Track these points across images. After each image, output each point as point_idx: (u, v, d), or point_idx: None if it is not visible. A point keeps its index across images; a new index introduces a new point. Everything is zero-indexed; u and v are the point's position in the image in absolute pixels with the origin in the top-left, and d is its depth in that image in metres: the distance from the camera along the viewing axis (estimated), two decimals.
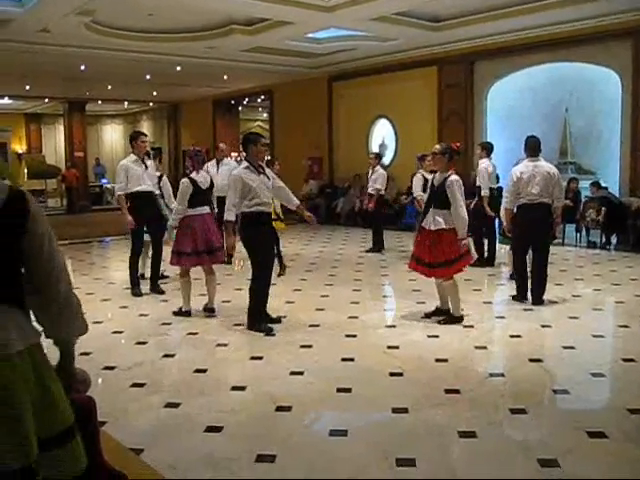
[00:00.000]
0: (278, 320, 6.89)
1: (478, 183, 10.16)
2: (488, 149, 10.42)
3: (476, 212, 9.86)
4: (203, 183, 7.37)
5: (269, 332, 6.50)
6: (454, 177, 6.72)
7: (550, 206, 7.61)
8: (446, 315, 6.92)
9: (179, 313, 7.33)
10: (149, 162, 8.60)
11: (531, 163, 7.63)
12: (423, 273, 6.95)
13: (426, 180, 9.38)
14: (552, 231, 8.04)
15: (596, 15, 12.31)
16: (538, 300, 7.62)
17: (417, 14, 13.09)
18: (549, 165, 7.75)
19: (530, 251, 7.90)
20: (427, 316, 7.03)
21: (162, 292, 8.51)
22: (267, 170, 6.84)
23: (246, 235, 6.61)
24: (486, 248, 10.32)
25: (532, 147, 7.71)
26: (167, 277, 9.24)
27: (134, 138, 8.59)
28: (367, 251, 12.18)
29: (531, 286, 7.73)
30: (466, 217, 6.68)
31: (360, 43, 15.27)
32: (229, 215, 6.51)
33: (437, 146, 6.93)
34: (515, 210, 7.79)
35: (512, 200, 7.74)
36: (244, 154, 7.01)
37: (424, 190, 9.32)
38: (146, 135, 8.94)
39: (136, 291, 8.44)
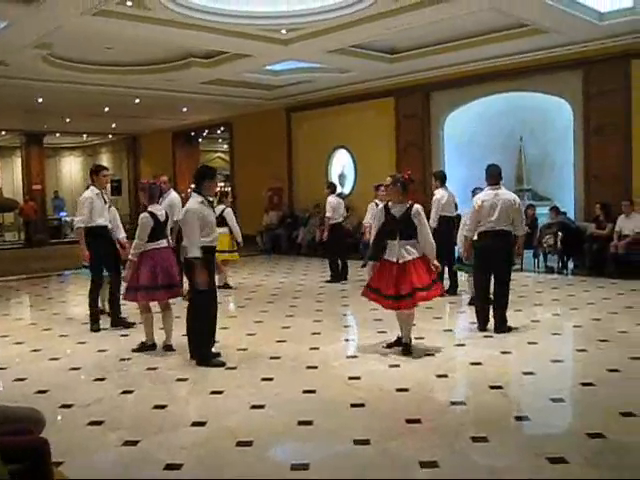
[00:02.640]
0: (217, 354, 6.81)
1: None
2: (441, 178, 10.57)
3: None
4: (161, 216, 7.31)
5: (221, 364, 6.50)
6: (418, 206, 6.77)
7: (510, 234, 7.66)
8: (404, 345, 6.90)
9: (142, 348, 7.21)
10: (106, 196, 8.54)
11: (492, 191, 7.68)
12: (388, 307, 6.84)
13: None
14: (512, 259, 8.05)
15: (548, 47, 12.66)
16: (500, 327, 7.64)
17: (373, 46, 13.31)
18: (510, 193, 7.82)
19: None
20: (389, 346, 7.02)
21: (131, 324, 8.35)
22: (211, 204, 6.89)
23: (197, 268, 6.47)
24: (446, 276, 10.38)
25: (493, 175, 7.77)
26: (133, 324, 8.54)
27: (96, 172, 8.51)
28: (327, 281, 12.18)
29: (493, 314, 7.78)
30: (434, 243, 6.78)
31: (318, 75, 15.45)
32: (196, 252, 6.35)
33: (388, 177, 7.00)
34: (475, 238, 7.85)
35: (472, 228, 7.80)
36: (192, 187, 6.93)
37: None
38: (107, 169, 8.87)
39: (95, 327, 8.31)
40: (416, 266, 6.67)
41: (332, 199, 12.31)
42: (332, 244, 12.42)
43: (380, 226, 6.85)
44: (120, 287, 8.44)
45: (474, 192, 9.13)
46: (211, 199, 6.81)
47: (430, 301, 7.07)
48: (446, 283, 10.35)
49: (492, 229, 7.60)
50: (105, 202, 8.38)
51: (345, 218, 12.58)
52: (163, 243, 7.29)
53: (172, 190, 10.05)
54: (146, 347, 7.22)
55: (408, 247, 6.69)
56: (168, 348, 7.14)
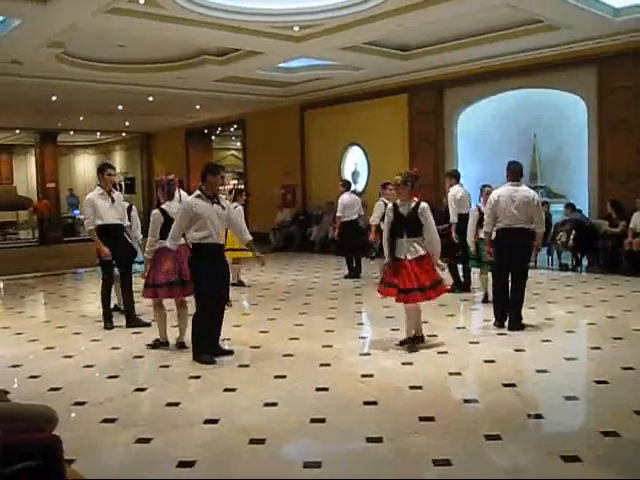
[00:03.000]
0: (230, 352, 6.83)
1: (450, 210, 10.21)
2: (456, 176, 10.54)
3: (449, 237, 9.92)
4: (174, 213, 7.22)
5: (211, 361, 6.48)
6: (424, 204, 6.81)
7: (529, 231, 7.62)
8: (414, 340, 6.92)
9: (155, 345, 7.26)
10: (116, 194, 8.55)
11: (512, 187, 7.66)
12: (398, 300, 6.86)
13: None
14: (530, 257, 7.93)
15: (562, 43, 12.57)
16: (515, 325, 7.61)
17: (386, 43, 13.27)
18: (530, 190, 7.79)
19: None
20: (401, 343, 7.01)
21: (147, 324, 8.29)
22: (223, 201, 6.85)
23: (192, 266, 6.55)
24: (461, 274, 10.36)
25: (514, 171, 7.77)
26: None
27: (101, 170, 8.51)
28: (345, 277, 12.24)
29: (509, 310, 7.75)
30: (439, 241, 6.82)
31: (331, 72, 15.42)
32: (171, 244, 6.54)
33: (398, 177, 6.93)
34: (494, 234, 7.81)
35: (490, 223, 7.76)
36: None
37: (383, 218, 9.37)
38: (113, 168, 8.84)
39: (108, 325, 8.34)
40: (423, 263, 6.72)
41: (345, 197, 12.34)
42: (345, 242, 12.50)
43: (390, 225, 6.86)
44: (131, 285, 8.46)
45: (482, 189, 9.11)
46: (223, 196, 6.78)
47: (435, 299, 7.04)
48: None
49: (510, 226, 7.57)
50: (113, 201, 8.35)
51: (360, 216, 12.54)
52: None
53: (180, 189, 9.97)
54: (159, 344, 7.25)
55: (415, 244, 6.73)
56: (181, 346, 7.15)
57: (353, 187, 17.58)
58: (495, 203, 7.65)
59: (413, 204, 6.77)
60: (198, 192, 6.52)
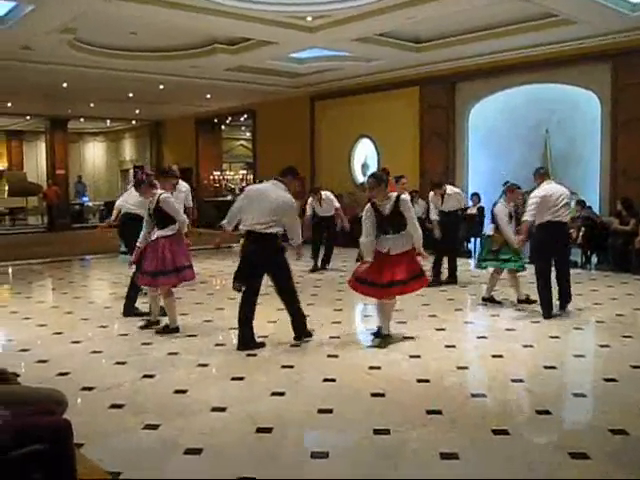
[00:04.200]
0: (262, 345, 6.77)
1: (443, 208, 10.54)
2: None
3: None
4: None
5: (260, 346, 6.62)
6: (404, 196, 6.84)
7: (567, 223, 8.31)
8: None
9: (165, 331, 7.31)
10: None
11: (555, 185, 8.30)
12: (375, 295, 6.85)
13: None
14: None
15: (575, 38, 12.47)
16: (568, 302, 8.29)
17: (399, 35, 13.20)
18: (563, 187, 8.38)
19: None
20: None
21: (144, 314, 8.17)
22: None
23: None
24: (445, 266, 10.55)
25: (546, 172, 8.56)
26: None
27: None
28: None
29: (558, 296, 8.23)
30: (421, 232, 6.82)
31: (343, 63, 15.36)
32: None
33: (370, 179, 6.83)
34: (535, 230, 8.20)
35: (534, 215, 8.01)
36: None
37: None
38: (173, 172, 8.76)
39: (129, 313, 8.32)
40: (410, 255, 6.72)
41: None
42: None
43: (371, 225, 6.67)
44: None
45: (510, 187, 8.85)
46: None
47: (415, 292, 7.09)
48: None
49: (556, 219, 8.00)
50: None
51: None
52: (157, 232, 7.36)
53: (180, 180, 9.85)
54: (169, 330, 7.30)
55: (398, 240, 6.67)
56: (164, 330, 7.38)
57: (360, 180, 17.63)
58: (545, 198, 7.99)
59: (393, 200, 6.67)
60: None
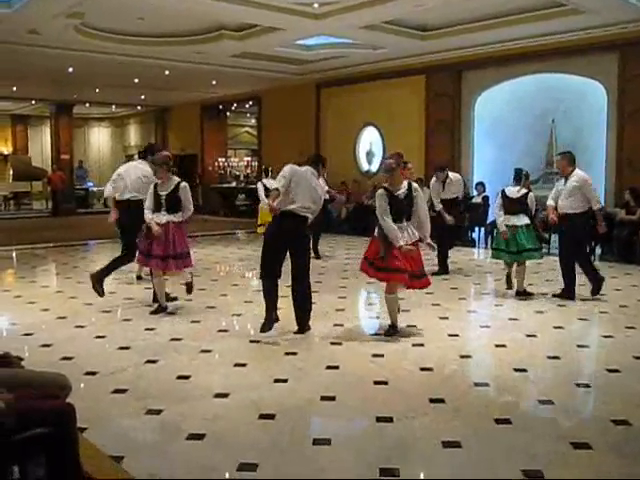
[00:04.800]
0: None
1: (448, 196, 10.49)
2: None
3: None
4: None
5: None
6: (415, 184, 6.79)
7: None
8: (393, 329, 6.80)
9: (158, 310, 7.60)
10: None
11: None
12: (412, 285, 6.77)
13: None
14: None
15: (583, 27, 12.40)
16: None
17: (405, 23, 13.14)
18: None
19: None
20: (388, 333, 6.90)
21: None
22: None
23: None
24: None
25: (574, 159, 8.54)
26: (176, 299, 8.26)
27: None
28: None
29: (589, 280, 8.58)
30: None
31: (349, 51, 15.30)
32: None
33: (390, 160, 6.67)
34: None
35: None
36: None
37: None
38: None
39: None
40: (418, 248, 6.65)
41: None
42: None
43: (386, 210, 6.50)
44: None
45: (526, 175, 8.76)
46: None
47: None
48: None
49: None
50: None
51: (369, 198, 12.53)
52: (166, 216, 7.47)
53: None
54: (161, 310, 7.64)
55: (408, 229, 6.60)
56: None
57: (366, 167, 17.60)
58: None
59: (406, 186, 6.61)
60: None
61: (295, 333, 6.73)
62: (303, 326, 6.77)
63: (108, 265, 8.38)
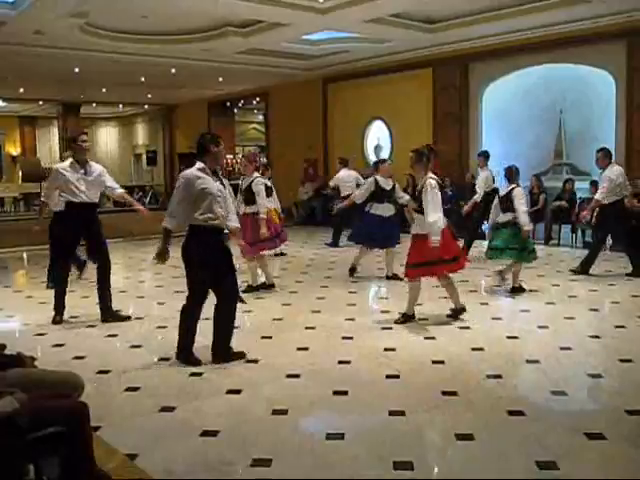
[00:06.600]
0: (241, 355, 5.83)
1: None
2: (487, 157, 11.19)
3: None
4: None
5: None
6: (429, 180, 6.67)
7: None
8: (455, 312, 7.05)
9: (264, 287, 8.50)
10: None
11: (618, 167, 9.51)
12: (450, 270, 6.97)
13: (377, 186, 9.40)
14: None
15: (590, 16, 12.31)
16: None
17: (411, 16, 13.09)
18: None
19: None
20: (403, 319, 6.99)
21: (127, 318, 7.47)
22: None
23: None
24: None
25: (610, 155, 9.60)
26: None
27: (74, 139, 7.50)
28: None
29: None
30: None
31: (355, 45, 15.26)
32: (166, 223, 5.63)
33: (412, 154, 6.79)
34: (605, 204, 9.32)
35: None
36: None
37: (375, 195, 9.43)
38: (86, 133, 8.05)
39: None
40: (425, 241, 6.64)
41: (342, 173, 13.12)
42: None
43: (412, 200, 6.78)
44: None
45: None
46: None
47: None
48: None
49: (620, 197, 9.47)
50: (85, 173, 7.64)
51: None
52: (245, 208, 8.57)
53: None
54: (267, 286, 8.57)
55: (420, 222, 6.75)
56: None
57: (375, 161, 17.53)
58: (618, 181, 9.35)
59: (424, 180, 6.71)
60: (201, 164, 5.64)
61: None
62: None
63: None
